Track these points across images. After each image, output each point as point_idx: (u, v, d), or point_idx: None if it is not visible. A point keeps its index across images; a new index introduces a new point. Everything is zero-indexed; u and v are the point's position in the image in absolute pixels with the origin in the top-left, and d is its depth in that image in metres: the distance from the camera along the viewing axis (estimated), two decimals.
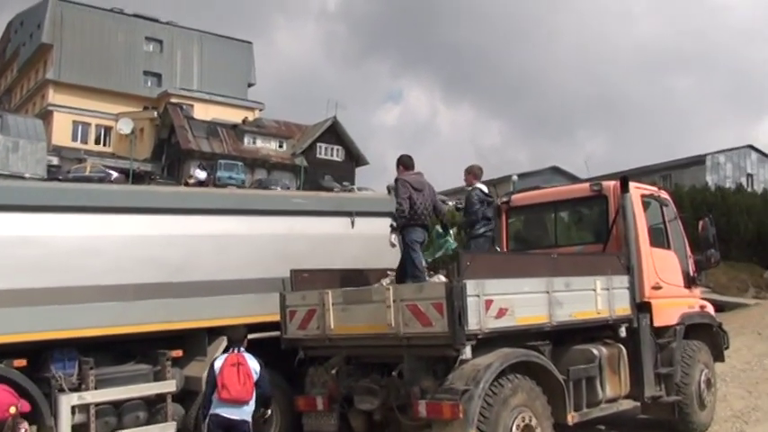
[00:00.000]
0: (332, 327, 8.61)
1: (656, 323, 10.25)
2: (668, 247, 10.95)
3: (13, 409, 4.24)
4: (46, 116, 58.93)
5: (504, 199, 11.27)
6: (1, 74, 74.57)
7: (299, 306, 9.00)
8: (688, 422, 10.63)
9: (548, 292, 8.57)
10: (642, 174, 48.70)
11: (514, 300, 8.16)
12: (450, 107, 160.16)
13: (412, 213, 9.16)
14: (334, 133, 61.02)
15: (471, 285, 7.65)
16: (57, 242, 8.57)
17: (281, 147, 59.27)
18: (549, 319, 8.59)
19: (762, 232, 29.00)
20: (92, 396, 8.56)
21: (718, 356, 11.69)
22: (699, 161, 49.92)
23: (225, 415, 7.88)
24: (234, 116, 61.59)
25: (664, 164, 51.55)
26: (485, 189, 10.37)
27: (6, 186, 10.89)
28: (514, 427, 7.91)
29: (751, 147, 54.15)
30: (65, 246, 8.62)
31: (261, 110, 66.56)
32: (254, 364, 8.09)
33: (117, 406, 8.83)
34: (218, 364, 8.02)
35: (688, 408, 10.55)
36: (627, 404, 9.75)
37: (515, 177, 52.72)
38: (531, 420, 8.09)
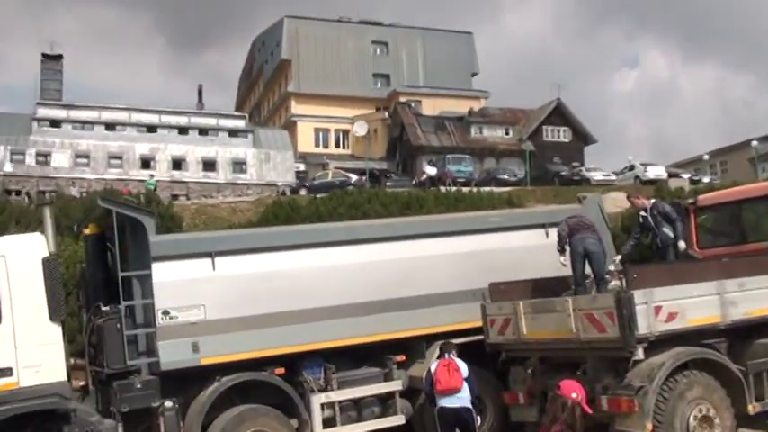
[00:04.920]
0: (524, 332, 10.09)
1: None
2: None
3: (574, 395, 5.84)
4: (290, 126, 64.59)
5: (691, 200, 12.01)
6: (249, 91, 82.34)
7: (497, 315, 10.58)
8: None
9: (719, 294, 9.43)
10: None
11: (684, 304, 9.17)
12: (691, 65, 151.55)
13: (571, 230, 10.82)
14: (559, 115, 61.22)
15: (639, 295, 8.82)
16: (301, 274, 10.81)
17: (507, 134, 60.38)
18: (721, 318, 9.46)
19: None
20: (336, 395, 10.73)
21: None
22: None
23: (446, 405, 9.75)
24: (460, 107, 63.59)
25: None
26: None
27: (258, 233, 13.35)
28: (692, 418, 8.97)
29: None
30: (307, 276, 10.83)
31: (486, 98, 68.05)
32: (462, 365, 9.80)
33: (356, 402, 10.93)
34: (433, 367, 9.89)
35: None
36: None
37: (755, 143, 50.05)
38: (709, 411, 9.08)
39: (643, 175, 46.27)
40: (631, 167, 48.85)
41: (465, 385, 9.72)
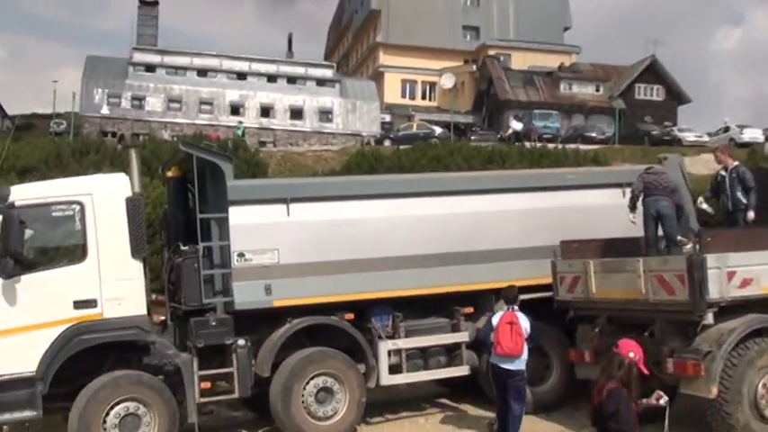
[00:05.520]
0: (594, 291, 10.04)
1: None
2: None
3: (632, 354, 5.98)
4: (378, 77, 64.64)
5: None
6: (338, 41, 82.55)
7: (566, 272, 10.55)
8: None
9: None
10: None
11: (759, 271, 8.94)
12: None
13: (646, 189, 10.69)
14: (653, 72, 59.30)
15: (712, 259, 8.65)
16: (373, 223, 10.93)
17: (597, 90, 58.98)
18: None
19: None
20: (403, 343, 10.95)
21: None
22: None
23: (501, 365, 9.73)
24: (551, 62, 62.33)
25: None
26: None
27: (332, 181, 13.60)
28: (761, 386, 8.83)
29: None
30: (379, 225, 10.93)
31: (577, 53, 66.46)
32: (525, 323, 9.73)
33: (423, 351, 11.12)
34: (495, 321, 9.85)
35: None
36: None
37: None
38: None
39: (738, 138, 44.40)
40: (726, 129, 46.99)
41: (525, 349, 9.63)
